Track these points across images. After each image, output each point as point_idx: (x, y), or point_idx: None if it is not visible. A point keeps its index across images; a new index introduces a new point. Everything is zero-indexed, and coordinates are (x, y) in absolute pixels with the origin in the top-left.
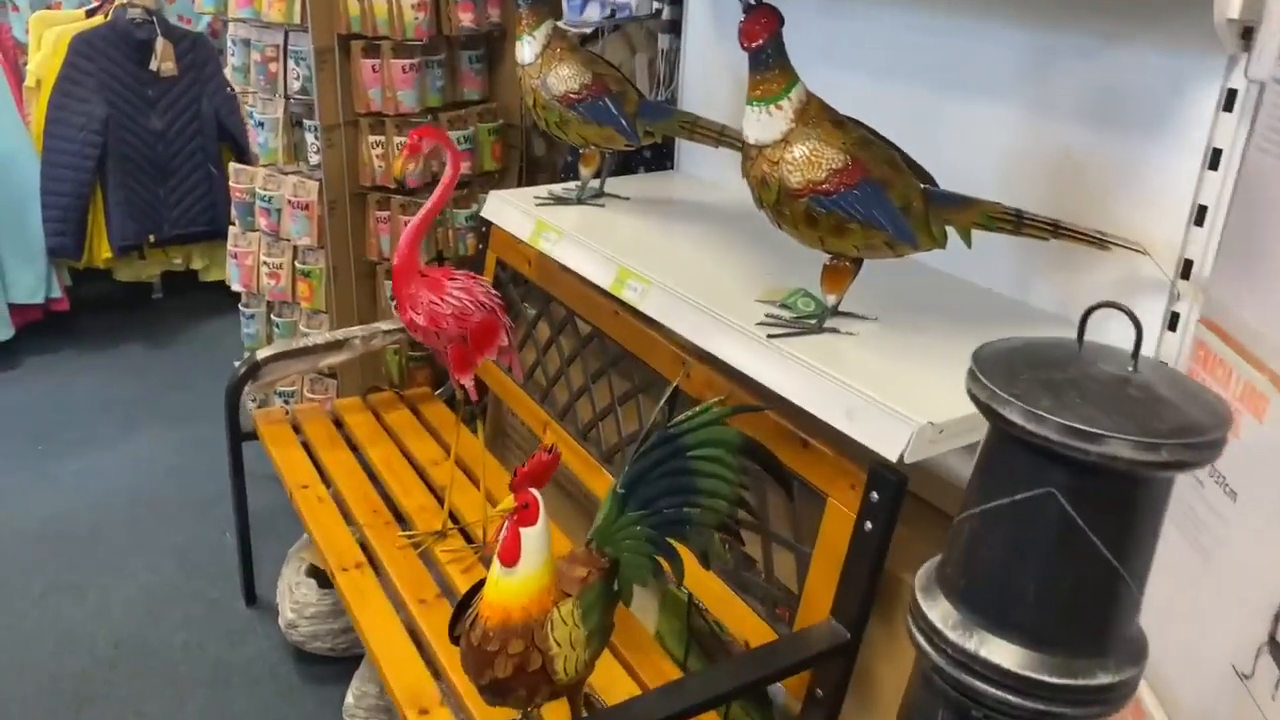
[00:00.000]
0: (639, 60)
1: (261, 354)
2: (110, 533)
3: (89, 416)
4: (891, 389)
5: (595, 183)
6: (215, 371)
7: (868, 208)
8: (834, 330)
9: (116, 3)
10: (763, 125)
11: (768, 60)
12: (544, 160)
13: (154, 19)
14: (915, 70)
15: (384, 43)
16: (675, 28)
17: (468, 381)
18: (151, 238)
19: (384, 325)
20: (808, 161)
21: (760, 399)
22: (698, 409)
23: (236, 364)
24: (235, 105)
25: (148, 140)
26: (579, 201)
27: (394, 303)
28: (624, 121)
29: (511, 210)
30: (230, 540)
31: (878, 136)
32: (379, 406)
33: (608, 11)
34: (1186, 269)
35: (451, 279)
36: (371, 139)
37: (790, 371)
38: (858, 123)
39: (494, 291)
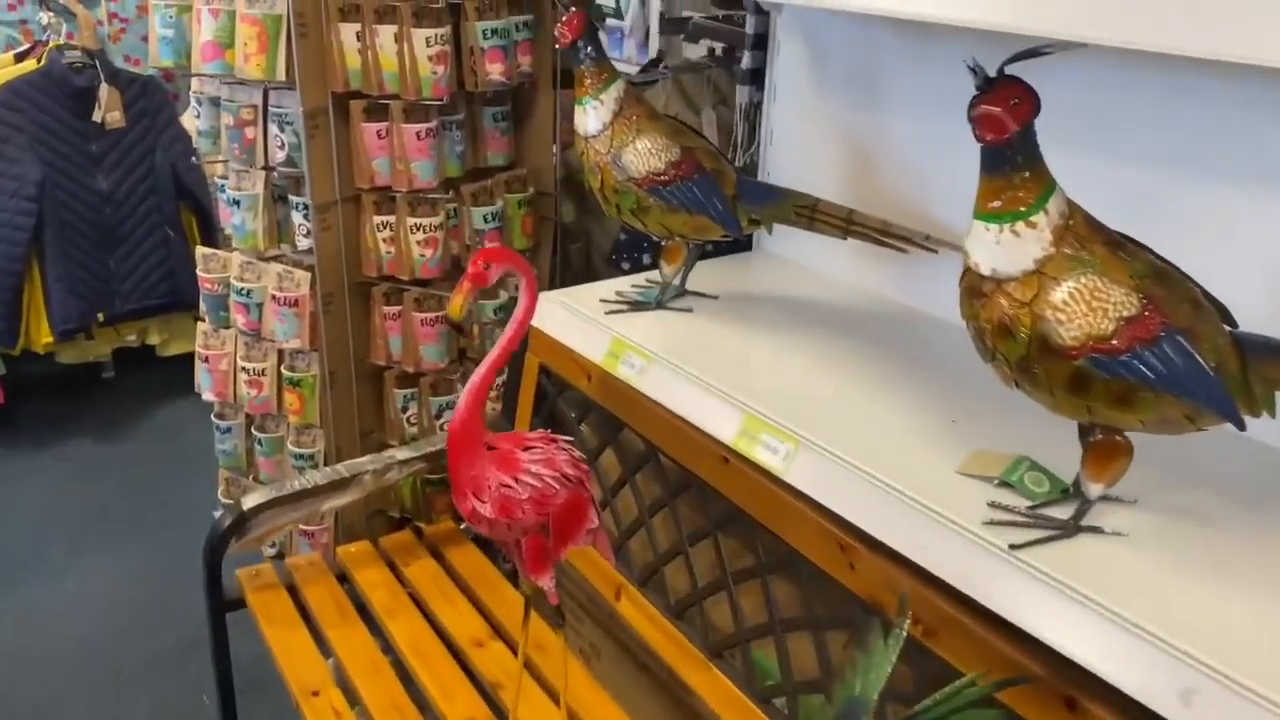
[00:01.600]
0: (706, 118)
1: (247, 502)
2: (55, 708)
3: (29, 537)
4: (1237, 649)
5: (676, 279)
6: (181, 467)
7: (1174, 371)
8: (1095, 529)
9: (51, 45)
10: (1004, 250)
11: (1014, 158)
12: (575, 228)
13: (96, 62)
14: (1137, 147)
15: (393, 103)
16: (757, 78)
17: (547, 583)
18: (101, 316)
19: (399, 454)
20: (1088, 306)
21: (976, 619)
22: (947, 691)
23: (216, 514)
24: (197, 158)
25: (93, 204)
26: (658, 305)
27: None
28: (721, 207)
29: (572, 319)
30: (210, 705)
31: (1165, 262)
32: (394, 553)
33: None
34: None
35: (527, 448)
36: (377, 220)
37: (1051, 605)
38: (1137, 243)
39: (578, 455)
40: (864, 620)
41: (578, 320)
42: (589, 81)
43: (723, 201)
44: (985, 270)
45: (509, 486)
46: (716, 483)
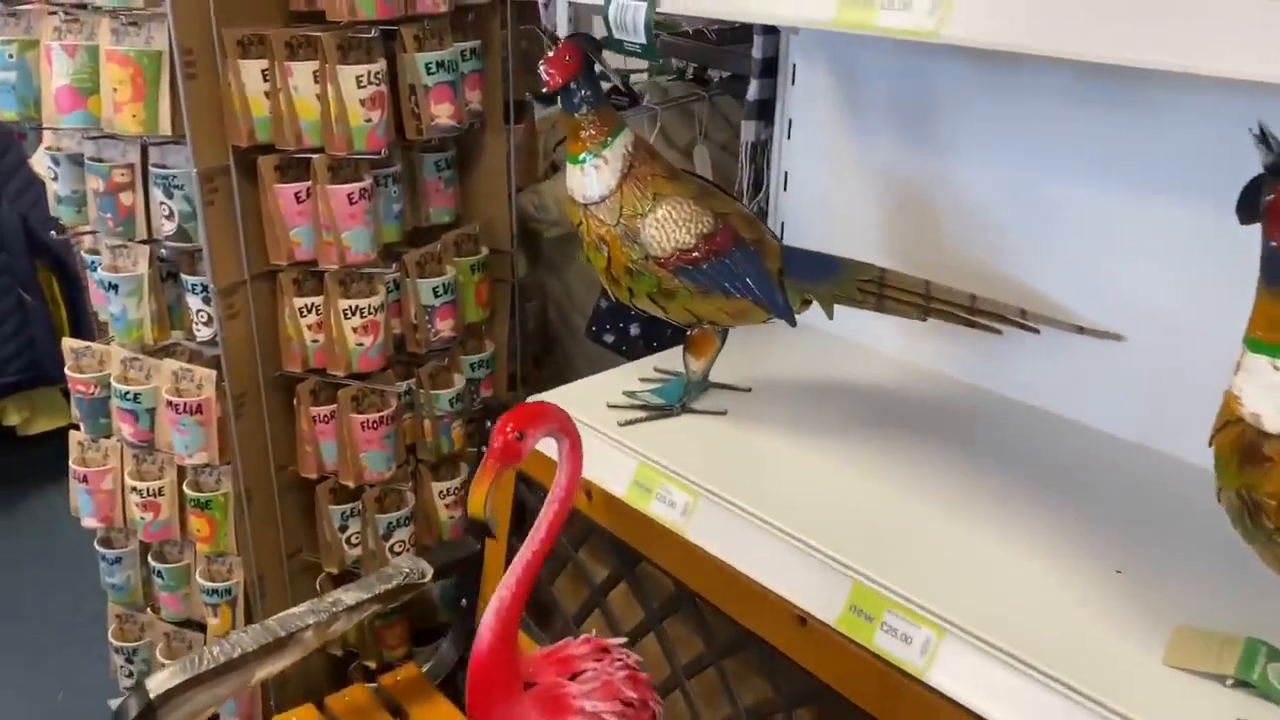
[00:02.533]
0: (698, 157)
1: (154, 685)
2: None
3: None
4: None
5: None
6: (59, 579)
7: None
8: None
9: None
10: None
11: None
12: (529, 283)
13: None
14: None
15: (315, 159)
16: (765, 111)
17: None
18: None
19: (346, 597)
20: None
21: None
22: None
23: (111, 703)
24: (58, 231)
25: None
26: (684, 408)
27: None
28: (767, 287)
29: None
30: None
31: None
32: (344, 717)
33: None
34: None
35: (575, 674)
36: (299, 303)
37: None
38: None
39: (635, 661)
40: None
41: (587, 437)
42: (588, 133)
43: (768, 279)
44: (1272, 426)
45: None
46: (789, 649)
